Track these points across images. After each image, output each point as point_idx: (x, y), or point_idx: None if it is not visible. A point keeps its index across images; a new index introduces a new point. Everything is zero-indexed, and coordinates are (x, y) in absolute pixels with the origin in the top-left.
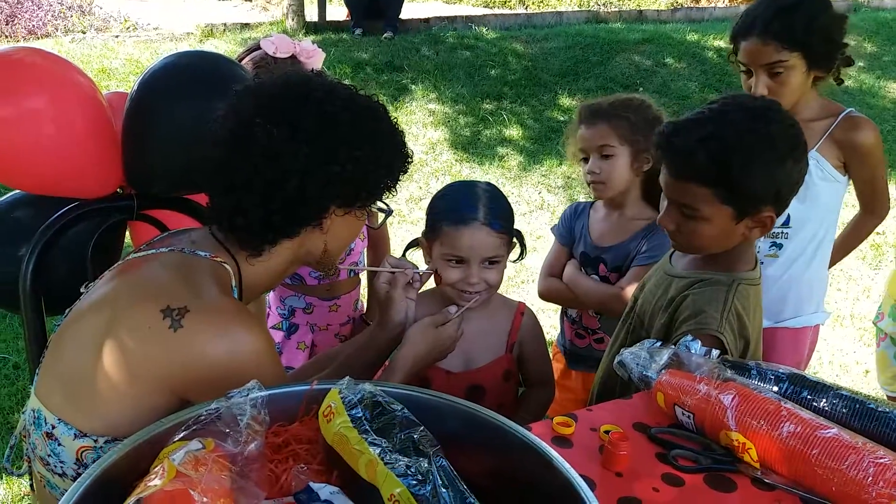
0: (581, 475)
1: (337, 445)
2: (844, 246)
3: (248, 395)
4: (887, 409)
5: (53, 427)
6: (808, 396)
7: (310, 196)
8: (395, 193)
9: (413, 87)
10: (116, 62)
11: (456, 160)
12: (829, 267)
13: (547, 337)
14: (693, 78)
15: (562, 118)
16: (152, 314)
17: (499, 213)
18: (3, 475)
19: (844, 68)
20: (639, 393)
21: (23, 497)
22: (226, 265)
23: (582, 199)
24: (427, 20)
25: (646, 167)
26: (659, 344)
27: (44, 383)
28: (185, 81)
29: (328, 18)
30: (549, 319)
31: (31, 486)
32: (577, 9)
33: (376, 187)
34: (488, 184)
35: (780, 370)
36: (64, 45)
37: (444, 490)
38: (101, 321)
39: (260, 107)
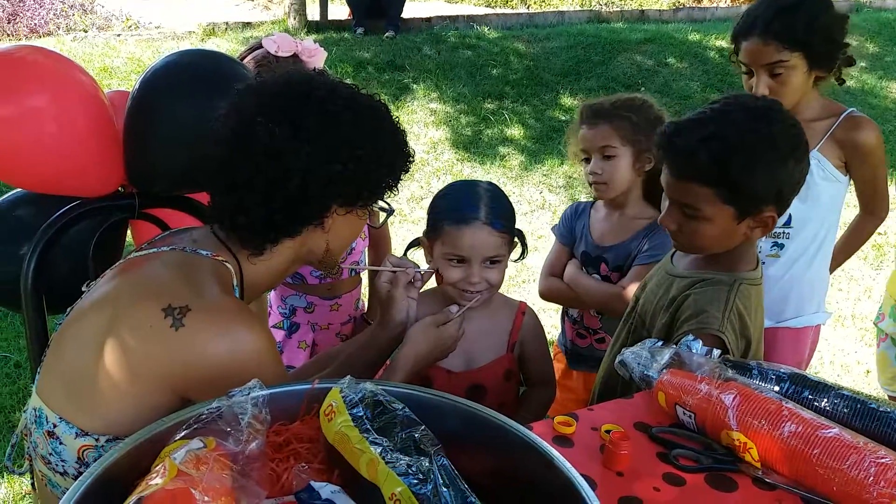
0: (582, 474)
1: (338, 444)
2: (846, 249)
3: (249, 393)
4: (889, 409)
5: (55, 426)
6: (810, 396)
7: (311, 195)
8: (396, 193)
9: (414, 86)
10: (118, 61)
11: (457, 159)
12: (831, 271)
13: (548, 337)
14: (695, 78)
15: (563, 118)
16: (154, 313)
17: (500, 212)
18: (5, 474)
19: (846, 68)
20: (640, 392)
21: (24, 496)
22: (227, 264)
23: (583, 198)
24: (429, 19)
25: (647, 167)
26: (660, 343)
27: (45, 382)
28: (187, 80)
29: (330, 17)
30: (550, 319)
31: (33, 484)
32: (578, 8)
33: (378, 186)
34: (490, 183)
35: (782, 370)
36: (66, 43)
37: (445, 489)
38: (102, 320)
39: (262, 105)
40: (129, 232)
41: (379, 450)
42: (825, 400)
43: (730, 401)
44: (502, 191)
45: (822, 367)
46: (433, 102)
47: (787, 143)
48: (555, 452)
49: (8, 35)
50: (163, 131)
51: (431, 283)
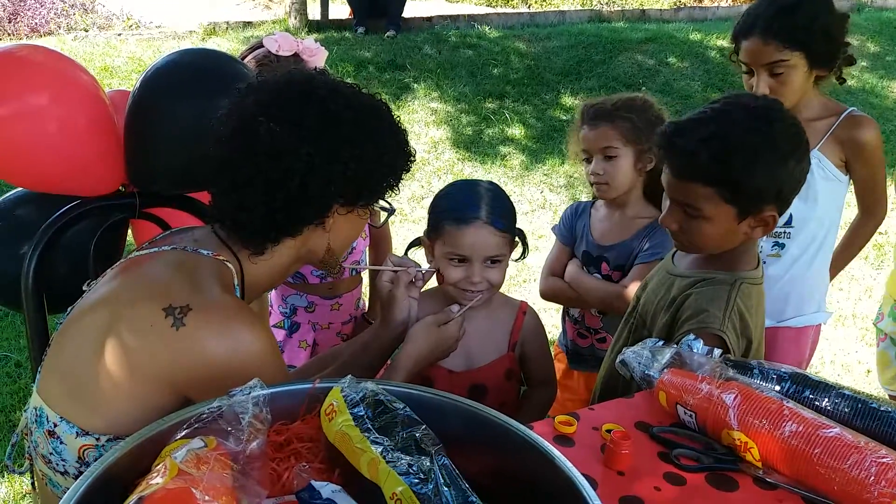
0: (583, 474)
1: (339, 444)
2: (845, 254)
3: (250, 393)
4: (890, 409)
5: (55, 425)
6: (811, 396)
7: (312, 195)
8: (397, 192)
9: (415, 85)
10: (119, 60)
11: (458, 159)
12: (832, 277)
13: (549, 336)
14: (696, 77)
15: (564, 117)
16: (154, 312)
17: (501, 212)
18: (5, 473)
19: (846, 67)
20: (641, 392)
21: (24, 495)
22: (228, 264)
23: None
24: (430, 19)
25: (649, 167)
26: (661, 343)
27: (46, 381)
28: (188, 79)
29: (331, 17)
30: (551, 319)
31: (33, 484)
32: (579, 8)
33: (379, 186)
34: (490, 183)
35: (783, 369)
36: (66, 42)
37: (445, 489)
38: (103, 319)
39: (263, 105)
40: (129, 231)
41: (380, 449)
42: (826, 399)
43: (731, 400)
44: (503, 190)
45: (822, 366)
46: (434, 102)
47: (787, 143)
48: (556, 452)
49: (9, 34)
50: (163, 131)
51: (432, 282)
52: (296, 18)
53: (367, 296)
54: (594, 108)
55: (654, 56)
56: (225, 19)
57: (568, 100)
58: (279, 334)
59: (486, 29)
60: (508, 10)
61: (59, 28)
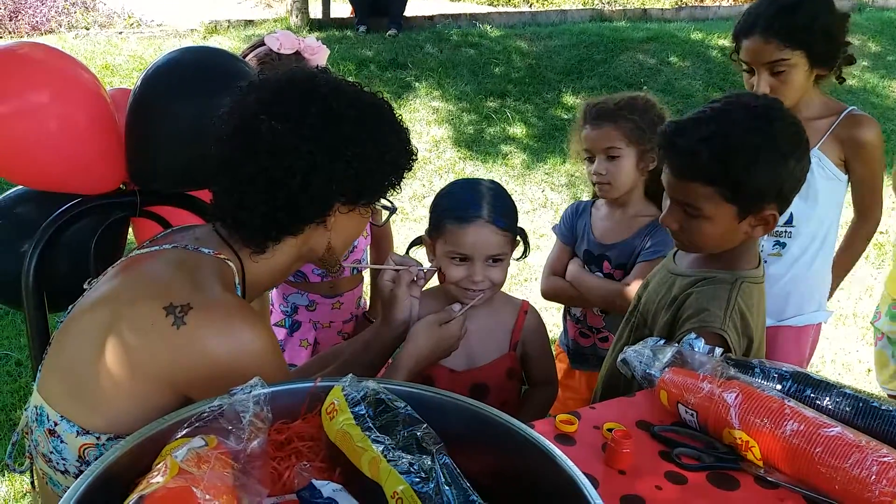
0: (584, 473)
1: (340, 443)
2: (844, 262)
3: (250, 391)
4: (891, 408)
5: (56, 424)
6: (812, 395)
7: (314, 193)
8: (399, 191)
9: (417, 84)
10: (120, 58)
11: (459, 158)
12: (836, 285)
13: (550, 336)
14: (697, 76)
15: (566, 116)
16: (155, 311)
17: (503, 210)
18: (6, 472)
19: (846, 67)
20: (642, 391)
21: (25, 494)
22: (229, 262)
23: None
24: (431, 18)
25: (651, 167)
26: (662, 342)
27: (46, 380)
28: (189, 78)
29: (332, 15)
30: (552, 318)
31: (33, 483)
32: (581, 7)
33: (381, 185)
34: (492, 181)
35: (784, 368)
36: (67, 41)
37: (447, 488)
38: (103, 318)
39: (264, 103)
40: (130, 230)
41: (381, 448)
42: (827, 398)
43: (732, 399)
44: (505, 189)
45: (823, 365)
46: (435, 101)
47: (787, 142)
48: (557, 451)
49: (10, 32)
50: (164, 129)
51: (434, 281)
52: (297, 17)
53: (369, 295)
54: (597, 107)
55: (655, 55)
56: (226, 17)
57: (569, 99)
58: (280, 333)
59: (488, 28)
60: (510, 9)
61: (60, 26)
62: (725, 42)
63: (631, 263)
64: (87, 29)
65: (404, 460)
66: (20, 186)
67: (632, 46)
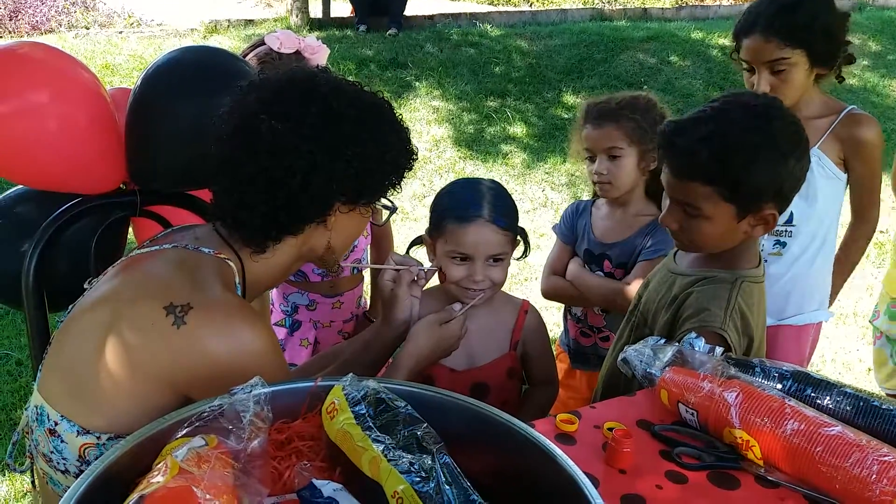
0: (585, 472)
1: (340, 442)
2: (843, 267)
3: (251, 391)
4: (891, 407)
5: (56, 424)
6: (812, 394)
7: (314, 193)
8: (399, 190)
9: (417, 84)
10: (120, 58)
11: (460, 157)
12: (839, 288)
13: (550, 335)
14: (697, 76)
15: (566, 116)
16: (155, 311)
17: (503, 210)
18: (6, 472)
19: (847, 66)
20: (642, 390)
21: (25, 493)
22: (229, 262)
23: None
24: (431, 17)
25: (652, 166)
26: (663, 341)
27: (46, 380)
28: (189, 77)
29: (332, 15)
30: (553, 317)
31: (34, 482)
32: (581, 6)
33: (381, 184)
34: (492, 181)
35: (784, 368)
36: (67, 40)
37: (447, 487)
38: (103, 318)
39: (264, 102)
40: (130, 229)
41: (381, 448)
42: (828, 398)
43: (732, 398)
44: (505, 189)
45: (823, 364)
46: (435, 100)
47: (787, 141)
48: (557, 450)
49: (10, 32)
50: (164, 128)
51: (434, 281)
52: (297, 16)
53: (369, 294)
54: (598, 107)
55: (655, 55)
56: (226, 17)
57: (569, 98)
58: (280, 332)
59: (488, 27)
60: (510, 8)
61: (60, 26)
62: (726, 41)
63: (631, 263)
64: (87, 28)
65: (405, 460)
66: (20, 186)
67: (632, 46)
